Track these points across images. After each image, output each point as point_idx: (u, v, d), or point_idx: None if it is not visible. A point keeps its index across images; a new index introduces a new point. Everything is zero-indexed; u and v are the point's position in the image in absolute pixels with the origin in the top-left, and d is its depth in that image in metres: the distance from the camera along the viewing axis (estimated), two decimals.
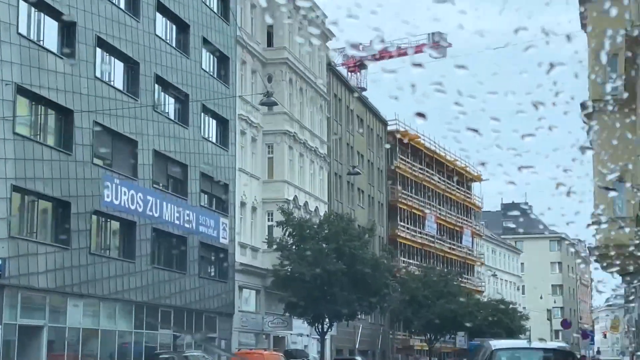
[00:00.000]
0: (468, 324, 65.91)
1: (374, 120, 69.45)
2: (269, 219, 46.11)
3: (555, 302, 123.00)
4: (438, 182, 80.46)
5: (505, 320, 79.33)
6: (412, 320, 64.43)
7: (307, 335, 50.23)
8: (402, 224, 72.09)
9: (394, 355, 69.10)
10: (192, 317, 39.61)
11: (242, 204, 44.73)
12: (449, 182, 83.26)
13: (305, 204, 48.95)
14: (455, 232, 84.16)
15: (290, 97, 48.96)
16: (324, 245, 41.35)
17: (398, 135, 72.53)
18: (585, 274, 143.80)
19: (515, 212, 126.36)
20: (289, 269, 41.24)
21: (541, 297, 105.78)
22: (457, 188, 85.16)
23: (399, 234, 70.78)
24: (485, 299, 77.00)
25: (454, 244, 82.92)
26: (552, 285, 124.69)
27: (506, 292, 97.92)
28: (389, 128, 72.59)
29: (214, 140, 42.68)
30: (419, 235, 75.13)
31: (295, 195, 47.88)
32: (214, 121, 43.05)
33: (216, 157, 42.33)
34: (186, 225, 38.86)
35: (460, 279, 69.21)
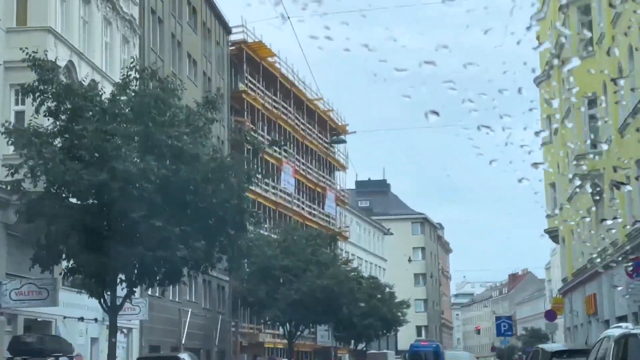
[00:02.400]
0: (345, 310, 46.52)
1: (213, 19, 48.51)
2: (16, 95, 24.37)
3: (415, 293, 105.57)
4: (297, 124, 60.51)
5: (383, 308, 60.46)
6: (266, 305, 44.04)
7: (95, 320, 28.84)
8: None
9: (237, 355, 48.41)
10: None
11: None
12: (310, 127, 63.47)
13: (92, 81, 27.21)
14: (317, 194, 64.44)
15: None
16: (123, 126, 20.41)
17: (245, 49, 52.02)
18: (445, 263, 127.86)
19: (372, 189, 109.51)
20: (43, 180, 20.05)
21: (410, 302, 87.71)
22: (319, 137, 65.48)
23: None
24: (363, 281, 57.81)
25: (314, 209, 63.15)
26: (415, 274, 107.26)
27: None
28: (232, 37, 51.88)
29: None
30: (272, 191, 54.84)
31: (71, 62, 26.26)
32: None
33: None
34: None
35: (334, 245, 49.36)
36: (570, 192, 41.78)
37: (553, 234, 49.02)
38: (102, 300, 21.92)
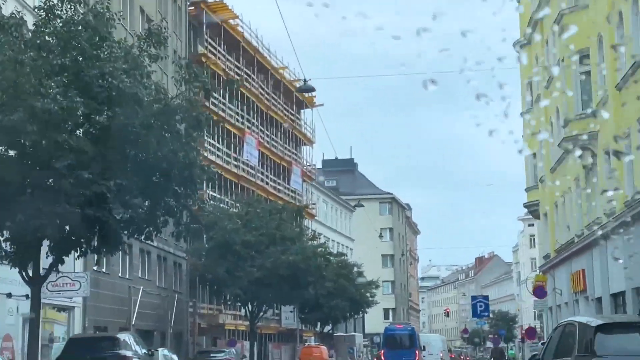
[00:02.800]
0: (311, 290, 43.43)
1: None
2: None
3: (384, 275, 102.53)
4: (261, 94, 56.90)
5: (351, 288, 57.38)
6: (226, 283, 40.64)
7: (26, 297, 25.20)
8: (210, 140, 47.96)
9: (195, 337, 44.99)
10: None
11: None
12: (276, 97, 59.91)
13: None
14: (282, 168, 60.98)
15: None
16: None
17: (205, 9, 48.28)
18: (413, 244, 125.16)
19: (339, 168, 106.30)
20: None
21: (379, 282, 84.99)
22: (285, 108, 61.95)
23: (205, 155, 46.56)
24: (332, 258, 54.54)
25: (279, 184, 59.69)
26: (383, 255, 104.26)
27: None
28: None
29: None
30: (234, 163, 51.29)
31: None
32: None
33: None
34: None
35: (300, 219, 45.97)
36: (554, 162, 38.76)
37: (533, 209, 46.07)
38: (23, 271, 18.35)
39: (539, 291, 32.95)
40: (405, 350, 44.37)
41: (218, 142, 48.88)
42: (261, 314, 44.82)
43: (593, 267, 31.47)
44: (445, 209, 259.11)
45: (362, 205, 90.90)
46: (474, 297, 47.03)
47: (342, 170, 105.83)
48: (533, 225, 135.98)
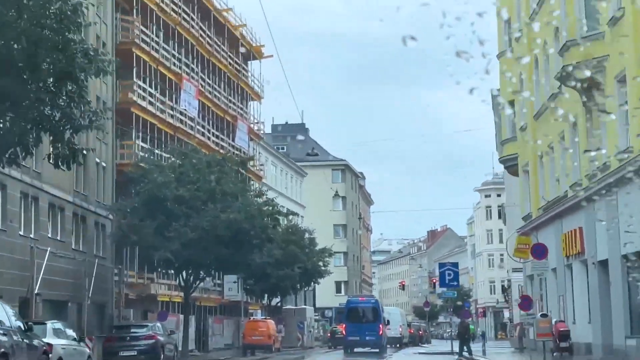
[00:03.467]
0: (258, 259, 37.66)
1: None
2: None
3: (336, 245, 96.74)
4: (202, 37, 50.41)
5: (302, 256, 51.70)
6: (155, 246, 34.47)
7: None
8: (140, 83, 41.51)
9: (121, 310, 38.76)
10: None
11: None
12: (219, 42, 53.43)
13: None
14: (227, 123, 54.65)
15: None
16: None
17: None
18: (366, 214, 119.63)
19: (289, 134, 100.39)
20: None
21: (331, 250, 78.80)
22: (230, 57, 55.52)
23: (134, 100, 40.20)
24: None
25: (223, 140, 53.36)
26: (335, 225, 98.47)
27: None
28: None
29: None
30: (170, 112, 44.88)
31: None
32: None
33: None
34: None
35: (244, 171, 39.66)
36: (541, 105, 33.23)
37: (509, 164, 40.63)
38: None
39: (538, 250, 27.26)
40: (369, 324, 41.40)
41: (150, 87, 42.45)
42: (197, 282, 38.76)
43: (595, 225, 26.00)
44: (398, 184, 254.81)
45: (317, 154, 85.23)
46: (441, 265, 41.44)
47: (293, 136, 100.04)
48: (490, 196, 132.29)
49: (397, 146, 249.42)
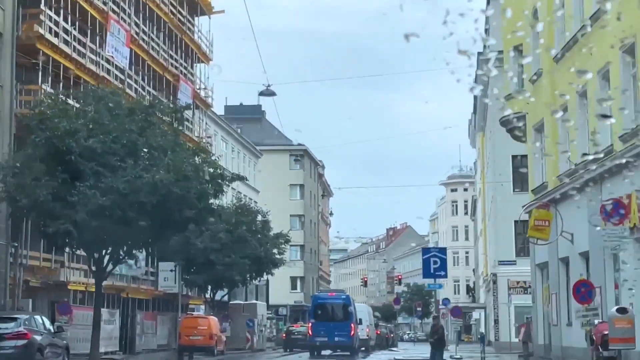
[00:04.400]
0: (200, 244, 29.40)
1: None
2: None
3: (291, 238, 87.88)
4: None
5: (252, 241, 43.42)
6: (53, 214, 25.84)
7: None
8: (51, 14, 32.60)
9: (17, 300, 29.93)
10: None
11: None
12: None
13: None
14: (166, 81, 45.91)
15: None
16: None
17: None
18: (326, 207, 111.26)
19: (244, 116, 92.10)
20: None
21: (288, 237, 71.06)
22: (172, 4, 46.84)
23: (41, 33, 31.36)
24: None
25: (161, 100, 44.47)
26: (292, 215, 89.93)
27: None
28: None
29: None
30: (91, 56, 36.05)
31: None
32: None
33: None
34: None
35: (179, 118, 30.89)
36: (568, 40, 25.33)
37: (513, 126, 32.73)
38: None
39: (617, 208, 19.03)
40: (338, 322, 37.13)
41: (65, 21, 33.65)
42: (112, 266, 30.09)
43: None
44: (358, 184, 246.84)
45: (261, 154, 77.57)
46: (426, 251, 33.28)
47: (248, 118, 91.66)
48: (456, 190, 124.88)
49: (355, 146, 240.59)
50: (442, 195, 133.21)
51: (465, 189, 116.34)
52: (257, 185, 73.78)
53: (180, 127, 31.90)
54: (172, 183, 25.65)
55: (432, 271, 31.95)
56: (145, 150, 26.49)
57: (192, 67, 51.37)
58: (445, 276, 32.40)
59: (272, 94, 40.12)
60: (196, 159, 28.88)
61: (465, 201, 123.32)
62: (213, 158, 34.70)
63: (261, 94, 40.59)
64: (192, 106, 46.56)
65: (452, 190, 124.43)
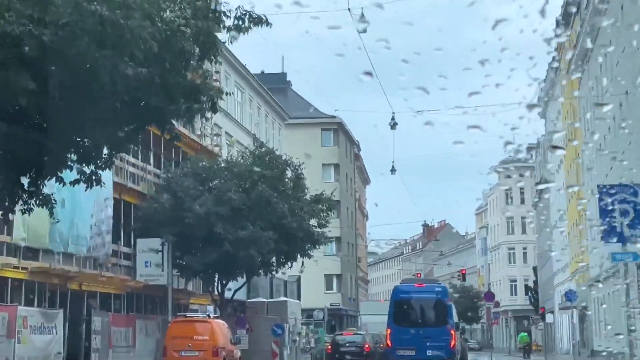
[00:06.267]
0: None
1: None
2: None
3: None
4: None
5: (280, 205, 27.99)
6: None
7: None
8: None
9: None
10: None
11: None
12: None
13: None
14: None
15: None
16: None
17: None
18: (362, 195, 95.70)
19: (268, 86, 77.23)
20: None
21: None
22: None
23: None
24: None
25: None
26: None
27: None
28: None
29: None
30: None
31: None
32: None
33: None
34: None
35: None
36: None
37: None
38: None
39: None
40: (430, 327, 26.56)
41: None
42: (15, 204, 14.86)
43: None
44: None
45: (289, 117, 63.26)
46: (603, 188, 18.16)
47: (273, 88, 76.51)
48: (510, 177, 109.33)
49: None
50: (493, 183, 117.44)
51: (521, 175, 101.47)
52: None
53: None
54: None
55: (619, 229, 16.86)
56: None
57: None
58: None
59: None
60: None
61: (521, 189, 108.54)
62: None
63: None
64: None
65: (507, 177, 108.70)
